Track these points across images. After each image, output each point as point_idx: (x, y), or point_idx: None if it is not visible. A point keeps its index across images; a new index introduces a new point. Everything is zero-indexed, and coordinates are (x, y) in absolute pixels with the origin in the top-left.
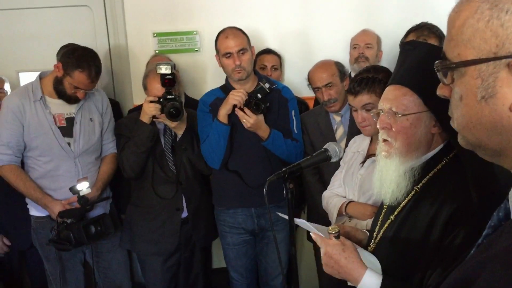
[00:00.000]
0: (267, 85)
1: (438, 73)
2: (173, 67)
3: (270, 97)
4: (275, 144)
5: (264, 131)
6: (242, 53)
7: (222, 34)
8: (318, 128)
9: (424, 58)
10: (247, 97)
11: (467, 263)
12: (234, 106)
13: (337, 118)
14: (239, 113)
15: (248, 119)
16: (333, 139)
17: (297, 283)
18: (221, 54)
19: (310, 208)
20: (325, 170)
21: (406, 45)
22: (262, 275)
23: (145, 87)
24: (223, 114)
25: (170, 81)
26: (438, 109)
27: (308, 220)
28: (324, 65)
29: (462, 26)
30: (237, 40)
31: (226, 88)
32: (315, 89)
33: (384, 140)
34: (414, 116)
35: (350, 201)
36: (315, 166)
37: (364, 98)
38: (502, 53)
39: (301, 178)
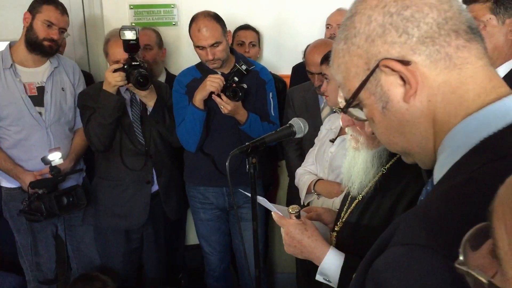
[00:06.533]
0: (243, 67)
1: (351, 117)
2: (137, 31)
3: (248, 79)
4: (252, 128)
5: (242, 115)
6: (216, 46)
7: (195, 24)
8: (305, 104)
9: None
10: (224, 83)
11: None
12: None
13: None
14: (216, 99)
15: (226, 106)
16: (318, 117)
17: (258, 259)
18: (194, 44)
19: (290, 184)
20: (307, 146)
21: None
22: (236, 253)
23: (106, 53)
24: (198, 100)
25: (134, 47)
26: None
27: (288, 195)
28: (322, 48)
29: (337, 68)
30: (209, 34)
31: (202, 67)
32: (309, 72)
33: (351, 135)
34: None
35: (319, 179)
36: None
37: None
38: (372, 65)
39: (276, 156)
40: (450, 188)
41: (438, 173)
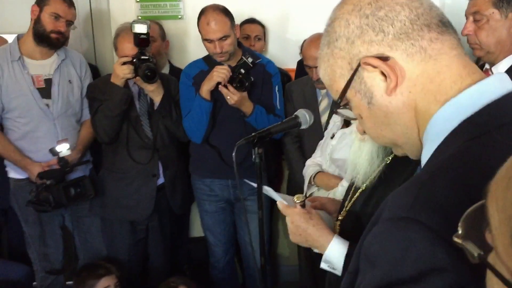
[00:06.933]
0: (250, 60)
1: (343, 118)
2: (149, 26)
3: (254, 72)
4: (258, 120)
5: (247, 107)
6: (224, 39)
7: (204, 18)
8: (303, 97)
9: None
10: (231, 74)
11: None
12: (218, 82)
13: (323, 90)
14: (223, 90)
15: (232, 96)
16: (317, 110)
17: (263, 247)
18: (202, 38)
19: (290, 175)
20: (306, 138)
21: None
22: (241, 244)
23: (116, 47)
24: (205, 90)
25: (145, 41)
26: None
27: (288, 188)
28: (319, 42)
29: (324, 72)
30: (218, 27)
31: (209, 60)
32: (306, 66)
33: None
34: None
35: (319, 172)
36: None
37: None
38: (354, 64)
39: (281, 149)
40: (432, 166)
41: (424, 159)
